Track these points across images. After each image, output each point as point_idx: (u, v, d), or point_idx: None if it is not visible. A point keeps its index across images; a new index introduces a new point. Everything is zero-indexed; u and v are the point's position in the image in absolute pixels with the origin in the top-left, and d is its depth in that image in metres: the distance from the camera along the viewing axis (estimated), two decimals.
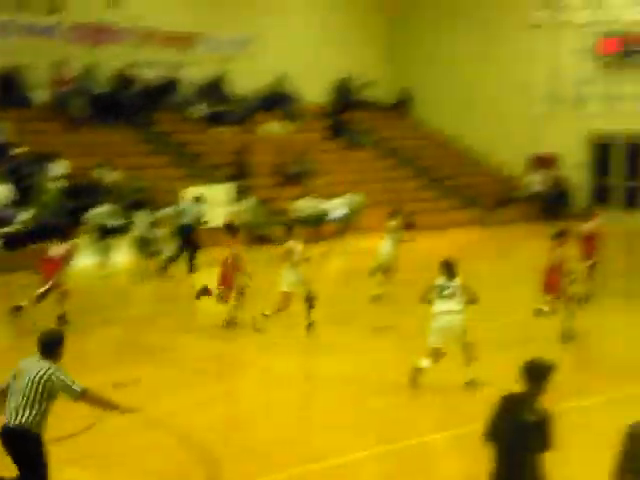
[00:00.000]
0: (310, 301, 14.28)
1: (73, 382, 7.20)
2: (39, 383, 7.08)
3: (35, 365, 7.18)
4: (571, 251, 14.68)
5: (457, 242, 25.58)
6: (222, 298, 14.47)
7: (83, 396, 7.20)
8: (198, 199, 20.23)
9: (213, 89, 28.06)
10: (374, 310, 16.93)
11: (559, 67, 29.85)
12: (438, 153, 30.79)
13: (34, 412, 7.09)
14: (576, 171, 29.67)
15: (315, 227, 23.83)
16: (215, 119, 27.34)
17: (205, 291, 14.75)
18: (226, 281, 14.45)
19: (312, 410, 11.15)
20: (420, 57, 32.27)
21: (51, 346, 7.23)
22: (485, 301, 11.90)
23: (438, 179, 30.15)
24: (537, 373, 6.37)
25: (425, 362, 11.44)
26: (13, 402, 7.14)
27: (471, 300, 11.47)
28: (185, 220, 19.85)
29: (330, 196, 24.81)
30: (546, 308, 14.02)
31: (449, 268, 11.68)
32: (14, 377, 7.24)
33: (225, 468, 9.04)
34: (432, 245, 25.03)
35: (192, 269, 19.46)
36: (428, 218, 27.29)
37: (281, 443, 9.75)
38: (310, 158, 27.17)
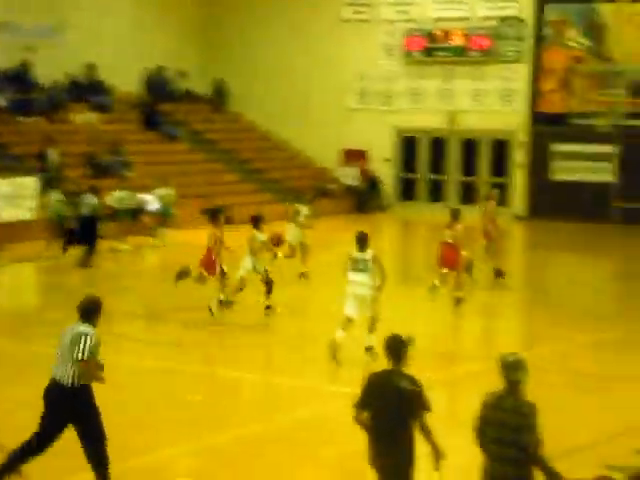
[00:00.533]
0: (268, 285, 14.89)
1: (89, 350, 7.80)
2: (71, 342, 7.86)
3: (74, 327, 7.96)
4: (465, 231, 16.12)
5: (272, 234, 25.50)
6: (201, 280, 14.92)
7: (81, 362, 7.77)
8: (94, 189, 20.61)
9: (18, 77, 26.83)
10: (186, 305, 16.65)
11: (368, 63, 30.38)
12: (254, 146, 30.69)
13: (73, 368, 7.82)
14: (384, 165, 30.30)
15: (131, 219, 23.23)
16: (20, 108, 26.15)
17: (185, 273, 15.14)
18: (208, 264, 14.83)
19: (128, 405, 10.72)
20: (235, 50, 32.10)
21: (89, 311, 7.99)
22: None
23: (254, 172, 30.06)
24: (397, 348, 6.85)
25: (340, 333, 12.02)
26: (57, 361, 7.92)
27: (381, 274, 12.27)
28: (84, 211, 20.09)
29: (144, 189, 24.20)
30: (438, 282, 15.88)
31: (361, 241, 12.33)
32: (60, 340, 8.02)
33: (34, 466, 8.50)
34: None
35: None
36: (245, 211, 27.11)
37: None
38: (123, 149, 26.45)
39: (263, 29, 31.61)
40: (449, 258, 15.88)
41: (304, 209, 18.74)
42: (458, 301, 15.84)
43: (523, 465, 6.22)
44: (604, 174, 26.88)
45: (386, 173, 30.26)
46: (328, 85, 30.91)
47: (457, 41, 29.06)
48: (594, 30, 27.49)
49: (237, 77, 31.96)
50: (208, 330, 14.41)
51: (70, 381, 7.77)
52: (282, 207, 28.29)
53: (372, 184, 29.99)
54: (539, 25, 28.17)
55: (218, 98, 32.37)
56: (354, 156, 30.55)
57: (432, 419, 6.79)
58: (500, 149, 29.07)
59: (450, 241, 15.96)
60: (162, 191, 23.15)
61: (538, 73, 28.29)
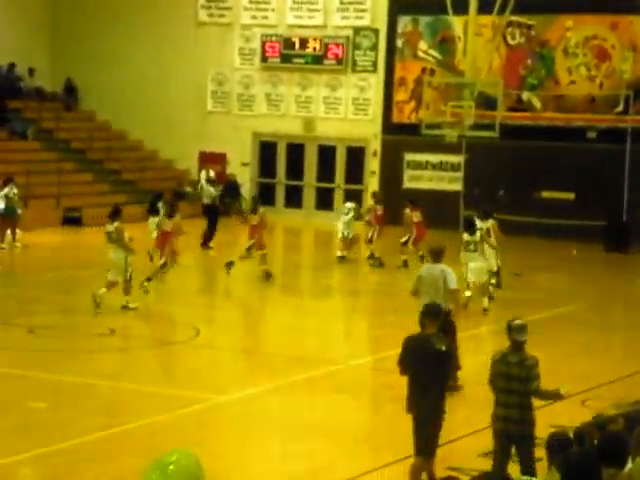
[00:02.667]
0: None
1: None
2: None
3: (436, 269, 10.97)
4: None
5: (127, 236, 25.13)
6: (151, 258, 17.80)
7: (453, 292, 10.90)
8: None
9: None
10: (32, 310, 16.25)
11: (226, 67, 30.34)
12: (108, 146, 30.14)
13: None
14: (242, 169, 30.31)
15: None
16: None
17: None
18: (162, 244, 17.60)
19: None
20: (86, 48, 31.42)
21: (439, 254, 11.25)
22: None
23: (108, 173, 29.54)
24: (436, 313, 8.56)
25: (103, 290, 15.07)
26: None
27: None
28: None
29: None
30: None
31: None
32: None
33: None
34: (101, 240, 24.49)
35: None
36: (97, 212, 26.63)
37: None
38: None
39: (118, 28, 31.10)
40: None
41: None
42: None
43: (525, 408, 7.80)
44: (453, 183, 27.72)
45: (244, 177, 30.25)
46: (186, 87, 30.68)
47: (313, 49, 29.38)
48: (444, 42, 28.31)
49: (90, 76, 31.32)
50: (54, 336, 14.09)
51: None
52: (138, 209, 27.96)
53: (231, 188, 29.90)
54: (392, 36, 28.78)
55: (69, 96, 31.66)
56: (212, 159, 30.42)
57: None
58: (355, 156, 29.55)
59: None
60: (7, 191, 22.40)
61: (391, 84, 28.90)
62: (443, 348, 8.16)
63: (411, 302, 17.51)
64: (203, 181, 29.94)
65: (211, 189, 24.44)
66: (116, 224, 15.82)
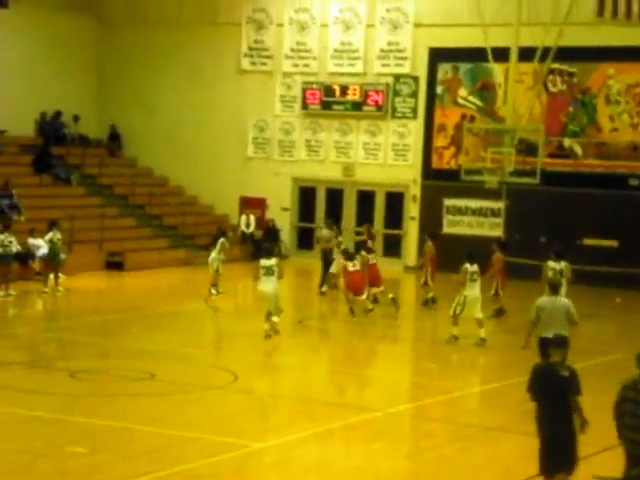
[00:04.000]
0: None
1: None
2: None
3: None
4: None
5: (167, 282, 25.33)
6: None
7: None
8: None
9: None
10: (72, 354, 16.36)
11: (267, 113, 30.59)
12: (149, 192, 30.43)
13: None
14: (282, 214, 30.42)
15: (19, 264, 22.74)
16: None
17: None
18: None
19: (10, 455, 10.37)
20: (130, 95, 31.87)
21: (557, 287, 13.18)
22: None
23: (150, 218, 29.78)
24: (562, 344, 9.44)
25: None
26: None
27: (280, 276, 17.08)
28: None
29: (33, 233, 23.67)
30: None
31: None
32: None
33: None
34: (141, 285, 24.66)
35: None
36: (139, 257, 26.82)
37: None
38: (12, 193, 25.90)
39: (161, 76, 31.55)
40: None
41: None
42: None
43: None
44: (494, 229, 27.57)
45: (284, 222, 30.36)
46: (227, 133, 30.98)
47: (353, 96, 29.55)
48: (485, 89, 28.32)
49: (133, 122, 31.75)
50: (94, 379, 14.13)
51: None
52: (179, 253, 28.17)
53: (270, 232, 30.02)
54: (432, 83, 28.87)
55: (113, 143, 32.09)
56: (252, 204, 30.61)
57: None
58: (394, 202, 29.55)
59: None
60: (52, 236, 22.64)
61: (431, 130, 28.94)
62: (566, 374, 8.96)
63: (449, 350, 17.44)
64: (243, 226, 30.15)
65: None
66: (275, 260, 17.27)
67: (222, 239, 22.70)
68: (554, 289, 13.07)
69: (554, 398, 8.92)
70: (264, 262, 17.18)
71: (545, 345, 11.81)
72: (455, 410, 13.48)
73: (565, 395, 8.94)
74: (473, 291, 17.29)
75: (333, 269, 22.50)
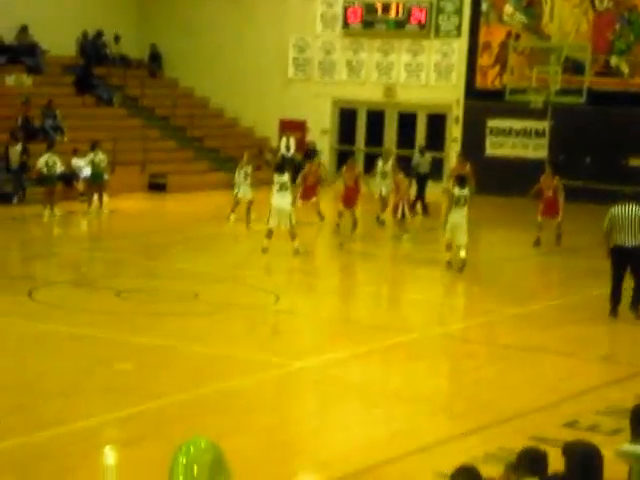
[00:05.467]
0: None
1: None
2: None
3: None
4: None
5: (209, 204, 25.46)
6: None
7: None
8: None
9: None
10: (117, 273, 16.57)
11: (307, 33, 30.25)
12: (191, 113, 30.40)
13: None
14: (322, 137, 30.26)
15: (63, 185, 22.95)
16: None
17: None
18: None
19: (58, 373, 10.63)
20: (171, 16, 31.71)
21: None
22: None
23: (191, 140, 29.82)
24: None
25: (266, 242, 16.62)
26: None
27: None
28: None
29: (76, 153, 23.86)
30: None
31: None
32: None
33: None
34: (183, 207, 24.83)
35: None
36: (181, 179, 26.96)
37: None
38: (55, 113, 26.02)
39: None
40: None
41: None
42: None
43: None
44: (538, 150, 27.25)
45: (324, 145, 30.24)
46: (267, 54, 30.75)
47: (395, 14, 29.08)
48: (531, 6, 27.73)
49: (174, 43, 31.61)
50: (139, 299, 14.35)
51: None
52: (220, 176, 28.24)
53: (310, 155, 29.92)
54: (477, 0, 28.30)
55: (154, 64, 31.99)
56: (292, 127, 30.47)
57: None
58: (437, 123, 29.24)
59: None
60: (95, 156, 22.80)
61: (475, 48, 28.46)
62: None
63: (493, 273, 17.45)
64: (283, 149, 30.08)
65: None
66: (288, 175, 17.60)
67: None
68: (629, 198, 13.49)
69: None
70: (278, 178, 17.29)
71: (618, 253, 13.12)
72: (494, 332, 13.53)
73: None
74: (457, 215, 16.58)
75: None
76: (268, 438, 8.94)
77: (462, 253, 16.60)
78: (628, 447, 5.52)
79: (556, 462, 5.36)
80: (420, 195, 23.68)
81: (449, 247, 16.94)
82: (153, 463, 8.23)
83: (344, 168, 21.84)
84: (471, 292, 16.39)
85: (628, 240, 13.05)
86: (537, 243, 19.63)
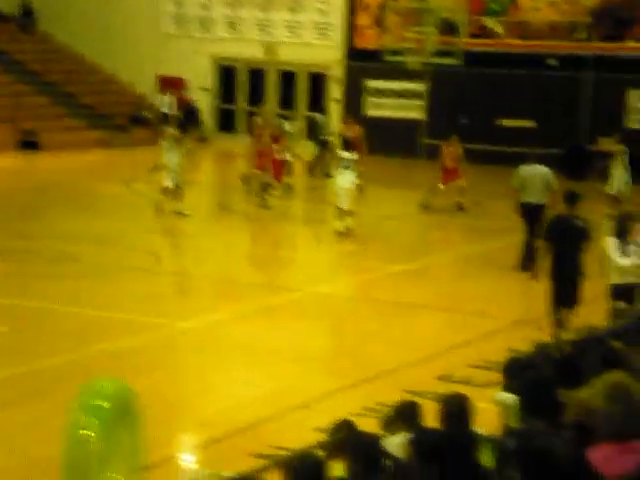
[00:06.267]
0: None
1: None
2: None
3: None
4: None
5: (85, 163, 25.01)
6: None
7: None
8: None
9: None
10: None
11: None
12: (65, 69, 29.65)
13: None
14: (202, 95, 29.97)
15: None
16: None
17: None
18: None
19: None
20: None
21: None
22: None
23: (65, 96, 29.12)
24: (573, 198, 10.93)
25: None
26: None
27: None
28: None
29: None
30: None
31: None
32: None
33: None
34: (58, 166, 24.31)
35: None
36: (54, 137, 26.35)
37: None
38: None
39: None
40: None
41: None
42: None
43: None
44: (415, 111, 27.72)
45: (205, 103, 29.97)
46: (143, 9, 30.18)
47: None
48: None
49: None
50: (15, 260, 14.08)
51: None
52: (96, 133, 27.71)
53: (190, 113, 29.63)
54: None
55: (26, 18, 31.01)
56: (171, 84, 30.07)
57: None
58: (317, 83, 29.35)
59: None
60: None
61: (354, 8, 28.63)
62: (581, 224, 10.59)
63: (375, 232, 17.73)
64: (166, 106, 29.65)
65: None
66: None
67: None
68: (536, 159, 14.59)
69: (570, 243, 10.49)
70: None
71: (527, 209, 14.16)
72: (374, 289, 13.85)
73: (579, 241, 10.50)
74: (343, 180, 16.50)
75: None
76: (152, 398, 8.98)
77: (348, 220, 16.47)
78: (503, 394, 5.83)
79: (431, 414, 5.61)
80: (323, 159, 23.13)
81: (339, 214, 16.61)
82: (33, 424, 8.20)
83: (255, 131, 20.99)
84: (353, 251, 16.67)
85: (533, 197, 14.15)
86: (459, 208, 19.41)
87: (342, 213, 16.54)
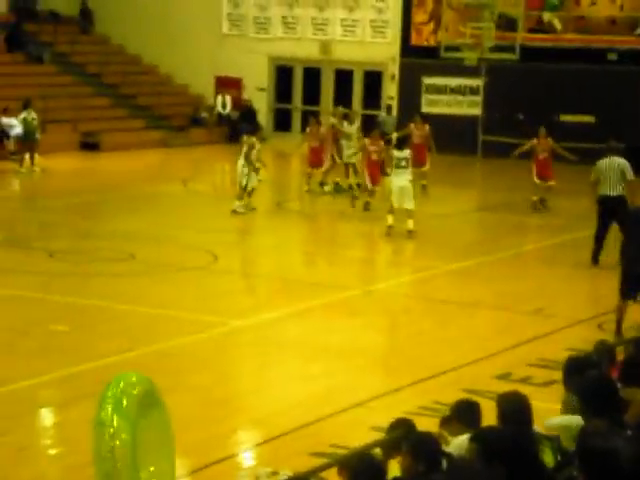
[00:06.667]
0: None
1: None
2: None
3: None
4: None
5: (144, 163, 25.21)
6: None
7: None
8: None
9: None
10: (51, 234, 16.38)
11: None
12: (123, 70, 29.94)
13: None
14: (258, 95, 30.03)
15: None
16: None
17: None
18: None
19: None
20: None
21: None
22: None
23: (124, 97, 29.40)
24: None
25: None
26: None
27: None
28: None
29: (6, 112, 23.38)
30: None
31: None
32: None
33: None
34: (117, 166, 24.55)
35: None
36: (114, 138, 26.62)
37: None
38: None
39: None
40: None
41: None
42: None
43: None
44: (472, 107, 27.46)
45: (260, 103, 30.04)
46: (200, 10, 30.34)
47: None
48: None
49: None
50: (73, 259, 14.21)
51: None
52: (154, 134, 27.93)
53: (246, 113, 29.73)
54: None
55: (84, 20, 31.39)
56: (228, 84, 30.20)
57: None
58: (373, 81, 29.24)
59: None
60: (26, 115, 22.37)
61: (409, 4, 28.46)
62: None
63: (430, 230, 17.55)
64: (219, 107, 29.81)
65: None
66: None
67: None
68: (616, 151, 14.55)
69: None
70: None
71: (604, 201, 14.10)
72: (430, 287, 13.70)
73: None
74: (399, 179, 16.16)
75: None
76: (206, 396, 8.98)
77: (410, 223, 16.12)
78: (555, 420, 5.68)
79: (490, 414, 5.48)
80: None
81: (391, 210, 16.32)
82: (90, 424, 8.22)
83: (307, 129, 21.01)
84: (409, 248, 16.53)
85: (610, 189, 14.06)
86: (535, 206, 18.99)
87: (391, 210, 16.23)
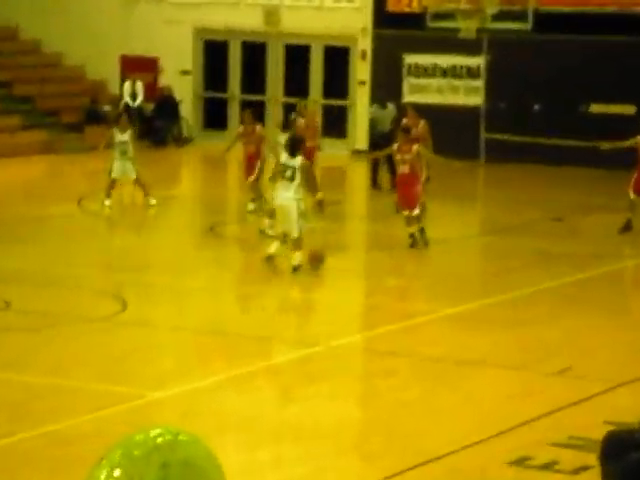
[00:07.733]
0: None
1: None
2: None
3: None
4: None
5: (24, 176, 25.21)
6: None
7: None
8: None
9: None
10: None
11: None
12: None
13: None
14: (181, 80, 30.10)
15: None
16: None
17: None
18: None
19: None
20: None
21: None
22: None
23: None
24: None
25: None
26: None
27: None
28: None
29: None
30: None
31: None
32: None
33: None
34: None
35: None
36: None
37: None
38: None
39: None
40: None
41: None
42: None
43: None
44: (471, 95, 27.75)
45: (184, 91, 30.13)
46: None
47: None
48: None
49: None
50: None
51: None
52: (37, 135, 27.90)
53: (164, 105, 29.83)
54: None
55: None
56: (139, 66, 30.29)
57: None
58: (336, 60, 29.48)
59: None
60: None
61: None
62: None
63: (412, 263, 17.69)
64: (127, 97, 29.89)
65: None
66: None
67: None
68: None
69: None
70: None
71: None
72: (421, 340, 13.83)
73: None
74: (280, 195, 16.11)
75: None
76: None
77: (296, 256, 16.11)
78: None
79: None
80: (390, 163, 21.97)
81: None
82: None
83: (240, 128, 21.39)
84: (394, 288, 16.64)
85: None
86: (627, 228, 18.73)
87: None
